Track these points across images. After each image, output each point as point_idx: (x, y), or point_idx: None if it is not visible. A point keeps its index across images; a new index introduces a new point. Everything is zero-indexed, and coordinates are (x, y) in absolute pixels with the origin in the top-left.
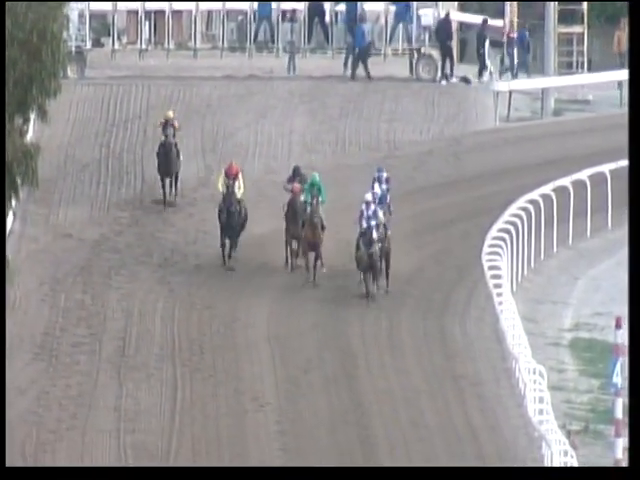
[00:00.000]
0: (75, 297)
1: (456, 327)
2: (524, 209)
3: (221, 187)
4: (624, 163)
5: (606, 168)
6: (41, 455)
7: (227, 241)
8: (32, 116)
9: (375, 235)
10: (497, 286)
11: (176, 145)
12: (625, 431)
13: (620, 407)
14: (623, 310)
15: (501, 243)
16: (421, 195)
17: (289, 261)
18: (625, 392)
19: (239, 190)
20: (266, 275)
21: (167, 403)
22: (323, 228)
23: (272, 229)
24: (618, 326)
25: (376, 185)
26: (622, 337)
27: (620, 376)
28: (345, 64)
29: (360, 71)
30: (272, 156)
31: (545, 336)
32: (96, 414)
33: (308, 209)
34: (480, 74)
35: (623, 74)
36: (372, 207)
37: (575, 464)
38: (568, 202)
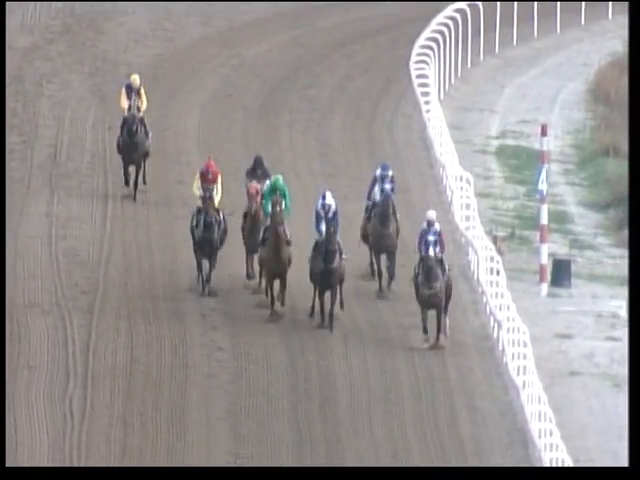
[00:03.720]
0: (7, 105)
1: (384, 135)
2: (451, 18)
3: (196, 190)
4: None
5: None
6: None
7: (204, 261)
8: None
9: (439, 271)
10: (425, 94)
11: (143, 121)
12: (550, 237)
13: (545, 213)
14: (549, 118)
15: (429, 52)
16: (349, 5)
17: (253, 278)
18: (550, 199)
19: (216, 196)
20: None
21: (98, 210)
22: (289, 244)
23: (200, 37)
24: (543, 134)
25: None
26: (547, 144)
27: (545, 183)
28: None
29: None
30: None
31: (472, 144)
32: (28, 220)
33: (268, 221)
34: None
35: None
36: (436, 227)
37: (501, 270)
38: (495, 10)
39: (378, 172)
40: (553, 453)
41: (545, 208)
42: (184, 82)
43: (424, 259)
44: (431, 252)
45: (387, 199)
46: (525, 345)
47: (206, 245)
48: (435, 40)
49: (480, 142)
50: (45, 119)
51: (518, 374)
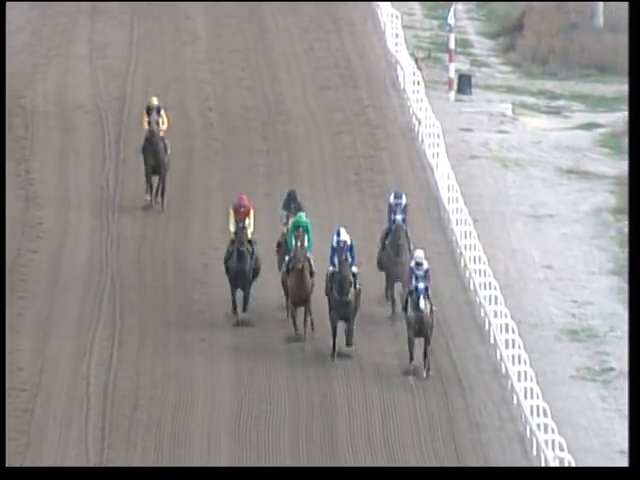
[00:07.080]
0: None
1: None
2: None
3: (232, 226)
4: None
5: None
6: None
7: (239, 292)
8: None
9: (422, 302)
10: None
11: (163, 139)
12: (455, 58)
13: (453, 41)
14: None
15: None
16: None
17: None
18: (456, 30)
19: (249, 228)
20: None
21: (127, 37)
22: (312, 275)
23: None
24: None
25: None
26: None
27: (453, 18)
28: None
29: None
30: None
31: None
32: (75, 45)
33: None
34: None
35: None
36: (424, 266)
37: (421, 81)
38: None
39: (391, 200)
40: (459, 215)
41: (452, 37)
42: None
43: (412, 292)
44: (421, 285)
45: (399, 230)
46: (438, 136)
47: (240, 275)
48: None
49: None
50: None
51: (433, 157)
